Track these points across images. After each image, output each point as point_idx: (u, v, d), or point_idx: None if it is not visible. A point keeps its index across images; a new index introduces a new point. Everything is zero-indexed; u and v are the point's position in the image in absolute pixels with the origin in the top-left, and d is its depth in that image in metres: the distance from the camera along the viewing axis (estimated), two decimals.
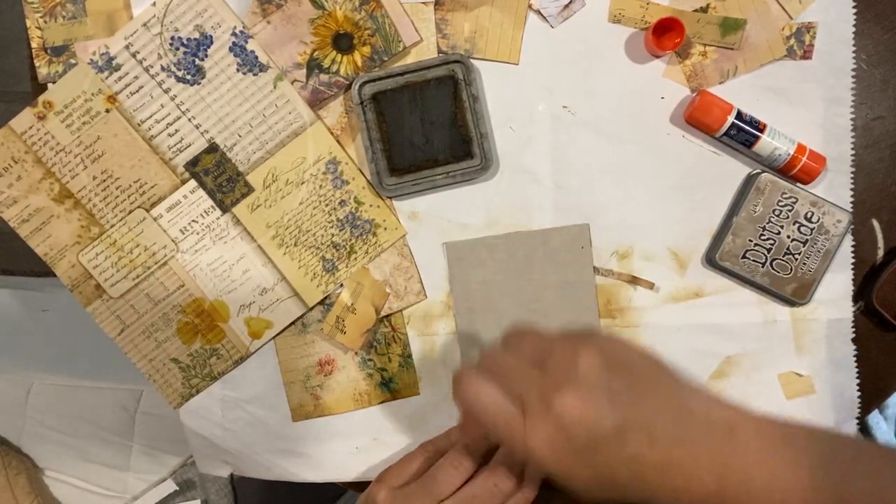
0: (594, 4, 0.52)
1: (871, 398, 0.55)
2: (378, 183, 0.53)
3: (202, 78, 0.51)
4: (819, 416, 0.55)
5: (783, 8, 0.52)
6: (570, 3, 0.52)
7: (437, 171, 0.53)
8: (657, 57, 0.53)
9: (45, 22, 0.52)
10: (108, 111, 0.51)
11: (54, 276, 0.55)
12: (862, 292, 0.54)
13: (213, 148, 0.51)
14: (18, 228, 0.53)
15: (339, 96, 0.54)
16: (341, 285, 0.54)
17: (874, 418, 0.63)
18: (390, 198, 0.54)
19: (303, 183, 0.52)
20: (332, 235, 0.53)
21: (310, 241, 0.53)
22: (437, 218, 0.54)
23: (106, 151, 0.52)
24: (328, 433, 0.56)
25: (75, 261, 0.53)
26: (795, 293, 0.53)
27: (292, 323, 0.55)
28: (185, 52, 0.50)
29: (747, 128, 0.51)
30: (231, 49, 0.51)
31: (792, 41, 0.52)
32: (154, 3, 0.51)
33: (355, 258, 0.54)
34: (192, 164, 0.52)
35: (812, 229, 0.52)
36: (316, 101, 0.53)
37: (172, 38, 0.50)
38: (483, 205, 0.54)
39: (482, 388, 0.38)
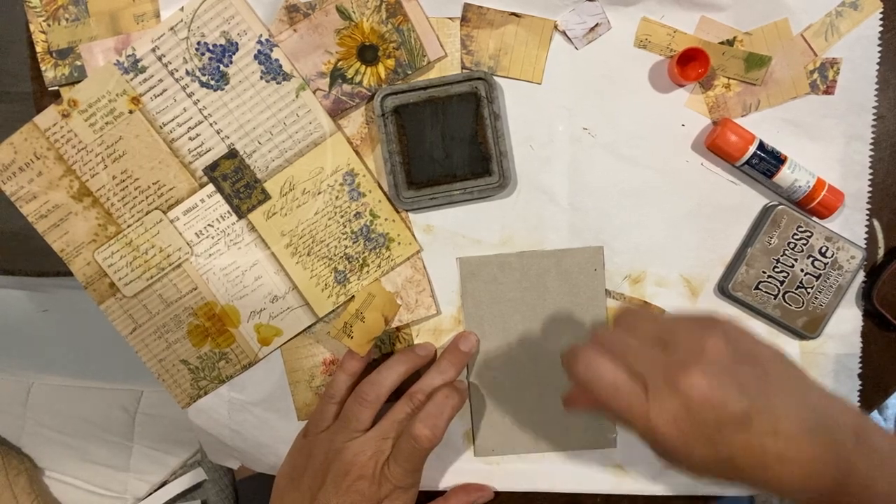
0: (620, 29, 0.53)
1: (871, 398, 0.55)
2: (395, 195, 0.53)
3: (226, 84, 0.51)
4: None
5: (809, 45, 0.52)
6: (596, 25, 0.53)
7: (455, 186, 0.53)
8: (680, 86, 0.53)
9: (49, 25, 0.52)
10: (131, 112, 0.51)
11: (54, 276, 0.55)
12: (862, 292, 0.54)
13: (232, 154, 0.51)
14: (36, 223, 0.53)
15: (360, 107, 0.54)
16: (352, 296, 0.54)
17: (873, 418, 0.63)
18: (407, 210, 0.54)
19: (319, 193, 0.53)
20: (346, 247, 0.53)
21: (323, 252, 0.53)
22: (451, 233, 0.55)
23: (127, 152, 0.52)
24: None
25: (91, 258, 0.53)
26: (806, 327, 0.53)
27: (301, 332, 0.55)
28: (210, 58, 0.50)
29: (769, 158, 0.51)
30: (256, 57, 0.51)
31: (815, 76, 0.52)
32: (182, 9, 0.51)
33: (367, 271, 0.54)
34: (212, 169, 0.52)
35: (826, 264, 0.52)
36: (337, 111, 0.53)
37: (199, 43, 0.50)
38: (498, 222, 0.54)
39: (603, 364, 0.38)
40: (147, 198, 0.53)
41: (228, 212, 0.53)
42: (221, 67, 0.50)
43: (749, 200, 0.53)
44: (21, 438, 0.78)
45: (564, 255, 0.54)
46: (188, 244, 0.53)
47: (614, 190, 0.54)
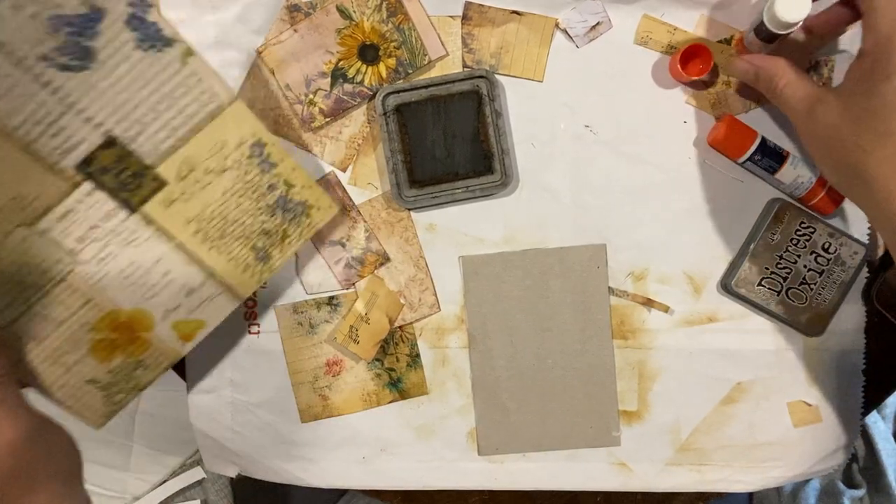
0: (621, 27, 0.53)
1: (871, 397, 0.55)
2: (398, 194, 0.53)
3: (91, 62, 0.41)
4: (822, 445, 0.55)
5: (805, 42, 0.52)
6: (598, 24, 0.53)
7: (457, 184, 0.53)
8: (682, 82, 0.53)
9: None
10: None
11: None
12: (863, 291, 0.54)
13: (110, 142, 0.43)
14: None
15: (361, 106, 0.54)
16: (356, 296, 0.54)
17: (872, 418, 0.63)
18: (409, 209, 0.54)
19: (225, 171, 0.46)
20: (263, 223, 0.48)
21: (238, 232, 0.48)
22: (454, 231, 0.55)
23: None
24: (336, 440, 0.56)
25: None
26: (809, 323, 0.53)
27: (226, 318, 0.50)
28: (69, 33, 0.40)
29: (771, 155, 0.51)
30: (129, 22, 0.41)
31: (811, 73, 0.52)
32: None
33: (289, 242, 0.50)
34: (86, 164, 0.43)
35: (829, 260, 0.52)
36: (339, 110, 0.53)
37: (52, 17, 0.39)
38: (501, 220, 0.54)
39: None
40: (7, 216, 0.42)
41: (116, 208, 0.44)
42: (84, 42, 0.40)
43: (752, 197, 0.53)
44: None
45: (567, 252, 0.54)
46: (69, 253, 0.44)
47: (616, 187, 0.54)
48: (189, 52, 0.43)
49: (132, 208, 0.45)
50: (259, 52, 0.53)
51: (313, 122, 0.53)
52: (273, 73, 0.53)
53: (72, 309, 0.46)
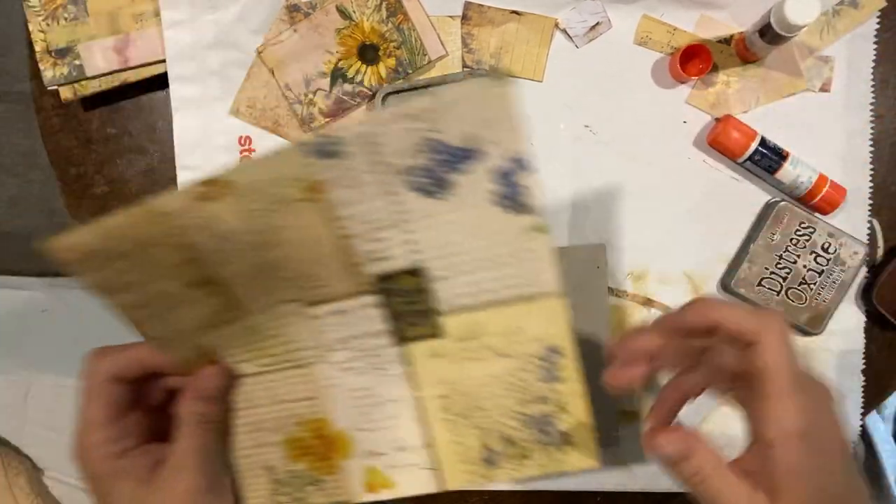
0: (621, 27, 0.53)
1: (871, 398, 0.55)
2: None
3: (444, 194, 0.39)
4: None
5: (804, 43, 0.52)
6: (597, 24, 0.53)
7: None
8: (682, 82, 0.53)
9: (48, 24, 0.52)
10: (303, 201, 0.39)
11: (54, 276, 0.52)
12: (862, 292, 0.54)
13: (417, 271, 0.41)
14: (130, 313, 0.42)
15: (361, 106, 0.54)
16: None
17: (872, 418, 0.63)
18: None
19: (504, 356, 0.42)
20: (511, 428, 0.43)
21: (479, 421, 0.43)
22: None
23: (282, 243, 0.41)
24: None
25: (198, 342, 0.44)
26: (809, 323, 0.53)
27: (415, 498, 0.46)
28: (438, 161, 0.38)
29: (771, 154, 0.51)
30: (497, 175, 0.38)
31: (811, 73, 0.53)
32: (433, 94, 0.38)
33: (526, 464, 0.43)
34: (384, 280, 0.42)
35: (828, 260, 0.52)
36: (339, 111, 0.53)
37: (430, 139, 0.37)
38: None
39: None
40: (289, 289, 0.42)
41: (384, 331, 0.43)
42: (447, 174, 0.38)
43: (751, 197, 0.54)
44: (21, 438, 0.78)
45: (567, 252, 0.54)
46: (323, 348, 0.44)
47: (616, 187, 0.54)
48: (540, 229, 0.39)
49: (399, 340, 0.43)
50: (259, 52, 0.53)
51: (313, 123, 0.53)
52: (273, 73, 0.53)
53: (295, 395, 0.45)
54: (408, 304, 0.42)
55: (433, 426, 0.44)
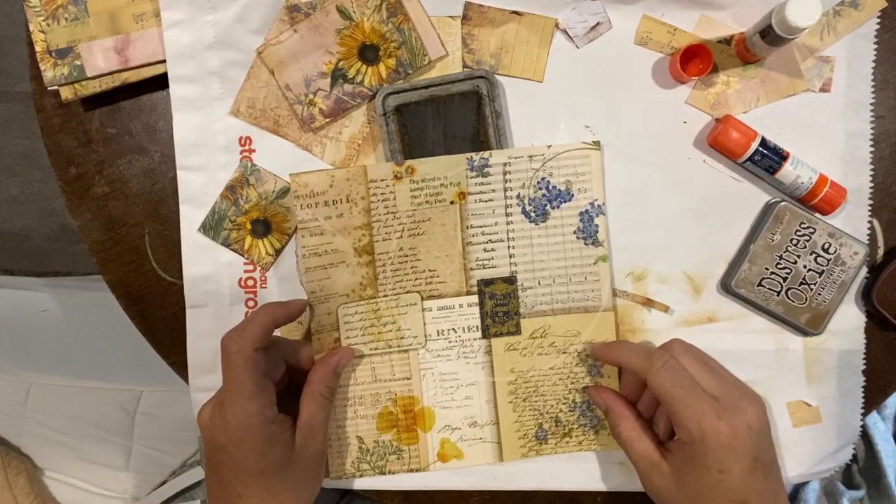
0: (621, 27, 0.53)
1: (871, 398, 0.55)
2: None
3: (542, 221, 0.52)
4: (822, 445, 0.55)
5: (804, 43, 0.52)
6: (597, 24, 0.53)
7: None
8: (682, 83, 0.53)
9: (48, 24, 0.52)
10: (452, 203, 0.52)
11: (54, 276, 0.53)
12: (862, 292, 0.54)
13: (511, 280, 0.53)
14: (305, 258, 0.52)
15: (361, 106, 0.54)
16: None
17: (872, 418, 0.63)
18: None
19: (564, 353, 0.53)
20: (560, 411, 0.54)
21: (538, 405, 0.54)
22: None
23: (426, 234, 0.53)
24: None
25: (333, 310, 0.53)
26: (809, 323, 0.53)
27: (478, 465, 0.55)
28: (544, 195, 0.52)
29: (771, 154, 0.51)
30: (581, 215, 0.53)
31: (811, 73, 0.53)
32: (550, 146, 0.52)
33: (567, 442, 0.54)
34: (486, 284, 0.53)
35: (829, 260, 0.52)
36: (339, 111, 0.53)
37: (543, 178, 0.52)
38: None
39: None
40: (416, 279, 0.53)
41: (477, 326, 0.53)
42: (548, 207, 0.52)
43: (751, 197, 0.54)
44: (21, 438, 0.78)
45: None
46: (426, 336, 0.53)
47: (617, 187, 0.54)
48: (603, 259, 0.53)
49: (486, 335, 0.53)
50: (259, 53, 0.53)
51: (313, 123, 0.53)
52: (273, 74, 0.53)
53: (393, 376, 0.54)
54: (498, 305, 0.53)
55: (500, 406, 0.54)
